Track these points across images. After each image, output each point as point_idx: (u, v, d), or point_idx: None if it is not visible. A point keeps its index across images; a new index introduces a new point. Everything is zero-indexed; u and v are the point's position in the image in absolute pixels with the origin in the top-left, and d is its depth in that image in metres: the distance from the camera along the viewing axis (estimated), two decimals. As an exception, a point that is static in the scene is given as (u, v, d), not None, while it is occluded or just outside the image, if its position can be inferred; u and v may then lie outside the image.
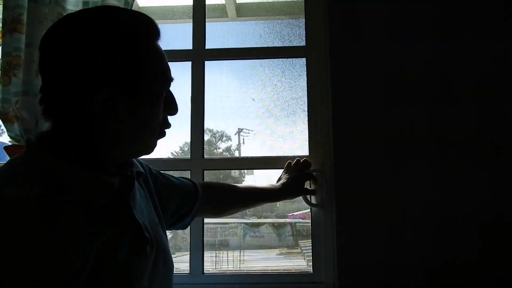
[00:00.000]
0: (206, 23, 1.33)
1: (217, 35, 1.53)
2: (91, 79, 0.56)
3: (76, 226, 0.52)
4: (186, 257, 1.21)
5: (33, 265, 0.45)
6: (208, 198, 0.96)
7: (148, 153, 0.68)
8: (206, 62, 1.31)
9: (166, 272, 0.70)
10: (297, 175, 1.14)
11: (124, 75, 0.58)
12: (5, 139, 1.15)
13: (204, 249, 1.22)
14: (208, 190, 0.98)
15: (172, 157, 1.67)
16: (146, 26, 0.62)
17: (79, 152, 0.59)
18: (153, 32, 0.62)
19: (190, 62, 1.30)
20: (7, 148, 1.09)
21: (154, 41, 0.63)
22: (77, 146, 0.60)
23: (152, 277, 0.64)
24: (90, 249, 0.52)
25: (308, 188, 1.18)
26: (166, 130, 0.69)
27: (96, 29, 0.57)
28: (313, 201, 1.20)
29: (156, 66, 0.62)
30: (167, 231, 0.93)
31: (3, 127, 1.10)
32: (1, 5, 1.14)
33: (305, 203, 1.19)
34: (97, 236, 0.55)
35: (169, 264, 0.72)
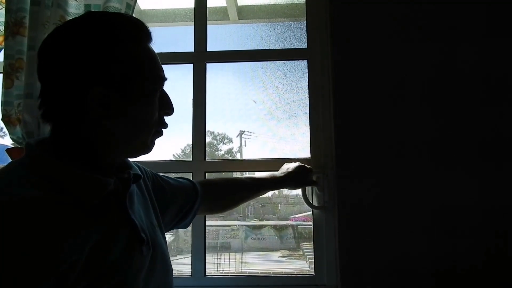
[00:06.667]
0: (208, 26, 1.33)
1: (219, 37, 1.53)
2: (84, 78, 0.59)
3: (69, 224, 0.54)
4: (188, 259, 1.21)
5: (25, 262, 0.48)
6: (208, 195, 0.96)
7: (146, 152, 0.68)
8: (208, 65, 1.31)
9: (164, 274, 0.70)
10: (304, 166, 1.14)
11: (116, 74, 0.60)
12: (8, 141, 1.15)
13: (206, 252, 1.22)
14: (208, 187, 0.98)
15: (174, 159, 1.67)
16: (137, 29, 0.64)
17: (77, 153, 0.62)
18: (144, 34, 0.65)
19: (191, 65, 1.30)
20: (9, 150, 1.09)
21: (145, 43, 0.65)
22: (74, 148, 0.62)
23: (148, 278, 0.64)
24: (83, 246, 0.54)
25: (314, 180, 1.17)
26: (165, 131, 0.70)
27: (88, 31, 0.60)
28: (315, 203, 1.20)
29: (148, 65, 0.64)
30: (169, 231, 0.94)
31: (5, 129, 1.10)
32: (4, 9, 1.14)
33: (306, 205, 1.19)
34: (90, 234, 0.56)
35: (167, 267, 0.72)
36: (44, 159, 0.59)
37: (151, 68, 0.65)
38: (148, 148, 0.68)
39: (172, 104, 0.69)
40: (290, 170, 1.12)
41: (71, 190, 0.57)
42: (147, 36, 0.65)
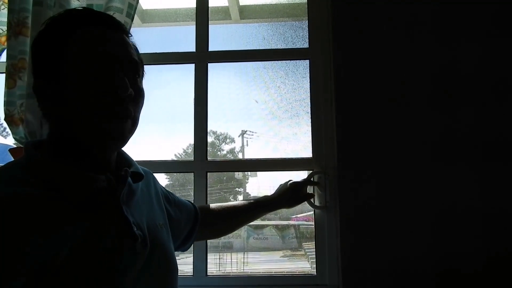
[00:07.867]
0: (210, 25, 1.34)
1: (221, 37, 1.54)
2: (34, 73, 0.64)
3: (45, 220, 0.55)
4: (190, 259, 1.22)
5: None
6: (207, 220, 0.98)
7: (111, 138, 0.63)
8: (210, 64, 1.31)
9: (163, 273, 0.70)
10: (295, 183, 1.15)
11: (47, 63, 0.62)
12: (11, 141, 1.16)
13: (208, 251, 1.22)
14: (205, 212, 0.99)
15: (176, 159, 1.67)
16: (70, 16, 0.64)
17: (65, 151, 0.63)
18: (85, 18, 0.64)
19: (193, 64, 1.30)
20: (12, 150, 1.09)
21: (85, 26, 0.63)
22: (60, 145, 0.64)
23: (141, 276, 0.64)
24: (65, 241, 0.54)
25: (308, 193, 1.18)
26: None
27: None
28: (317, 203, 1.19)
29: (77, 47, 0.61)
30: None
31: (8, 129, 1.11)
32: (6, 9, 1.15)
33: (308, 205, 1.19)
34: (75, 229, 0.57)
35: (169, 267, 0.72)
36: (35, 157, 0.60)
37: (80, 49, 0.61)
38: (105, 132, 0.61)
39: (116, 80, 0.61)
40: (282, 190, 1.14)
41: (60, 186, 0.59)
42: (84, 19, 0.63)
